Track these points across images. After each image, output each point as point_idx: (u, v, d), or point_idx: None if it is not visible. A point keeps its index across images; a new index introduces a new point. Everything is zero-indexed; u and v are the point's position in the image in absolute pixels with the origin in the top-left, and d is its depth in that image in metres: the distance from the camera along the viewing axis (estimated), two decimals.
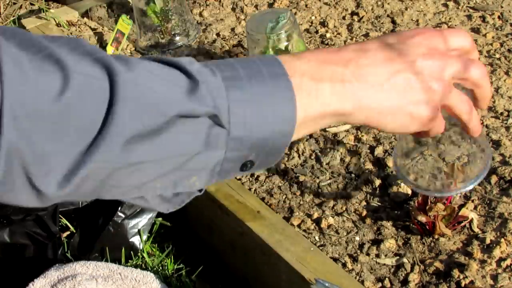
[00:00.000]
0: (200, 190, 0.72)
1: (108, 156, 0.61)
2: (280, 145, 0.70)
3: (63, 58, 0.60)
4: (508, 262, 1.12)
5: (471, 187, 1.02)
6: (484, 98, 0.83)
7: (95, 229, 1.42)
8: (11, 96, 0.57)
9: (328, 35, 1.75)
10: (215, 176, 0.70)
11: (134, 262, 1.42)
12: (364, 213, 1.26)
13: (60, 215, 1.45)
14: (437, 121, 0.78)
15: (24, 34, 0.61)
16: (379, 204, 1.27)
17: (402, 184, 1.26)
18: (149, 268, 1.40)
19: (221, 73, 0.68)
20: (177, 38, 1.82)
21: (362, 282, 1.14)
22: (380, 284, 1.14)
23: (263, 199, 1.32)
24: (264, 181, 1.36)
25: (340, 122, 0.76)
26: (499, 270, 1.11)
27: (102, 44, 1.85)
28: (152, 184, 0.67)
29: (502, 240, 1.15)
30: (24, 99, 0.58)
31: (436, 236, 1.16)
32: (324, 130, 1.46)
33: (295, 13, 1.84)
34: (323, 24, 1.79)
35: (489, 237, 1.16)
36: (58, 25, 1.96)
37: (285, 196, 1.32)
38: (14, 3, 2.44)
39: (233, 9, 1.93)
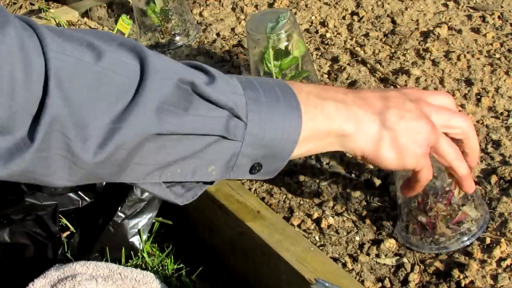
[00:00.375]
0: (212, 183, 0.76)
1: (142, 121, 0.65)
2: (287, 151, 0.74)
3: (93, 42, 0.66)
4: (508, 262, 1.12)
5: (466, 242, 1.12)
6: (473, 149, 0.91)
7: (95, 229, 1.42)
8: (54, 64, 0.61)
9: (328, 35, 1.75)
10: (229, 170, 0.74)
11: (134, 262, 1.42)
12: (364, 213, 1.26)
13: (60, 215, 1.45)
14: (427, 160, 0.85)
15: (55, 28, 0.67)
16: (379, 204, 1.27)
17: None
18: (149, 268, 1.40)
19: (237, 78, 0.74)
20: (177, 38, 1.82)
21: (362, 282, 1.14)
22: (380, 284, 1.14)
23: (263, 199, 1.32)
24: (264, 181, 1.36)
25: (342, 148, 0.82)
26: (499, 270, 1.11)
27: None
28: (174, 168, 0.71)
29: (502, 240, 1.15)
30: (66, 66, 0.62)
31: (436, 236, 1.16)
32: None
33: (295, 13, 1.84)
34: (323, 24, 1.79)
35: (489, 237, 1.16)
36: (58, 25, 1.96)
37: (285, 196, 1.32)
38: (14, 3, 2.44)
39: (233, 9, 1.93)
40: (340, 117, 0.77)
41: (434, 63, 1.58)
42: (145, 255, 1.42)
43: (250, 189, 1.35)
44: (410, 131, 0.80)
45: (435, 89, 1.50)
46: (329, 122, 0.77)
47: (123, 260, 1.41)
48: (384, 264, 1.17)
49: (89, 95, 0.63)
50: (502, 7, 1.74)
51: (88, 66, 0.63)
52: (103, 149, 0.64)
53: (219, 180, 0.76)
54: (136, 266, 1.40)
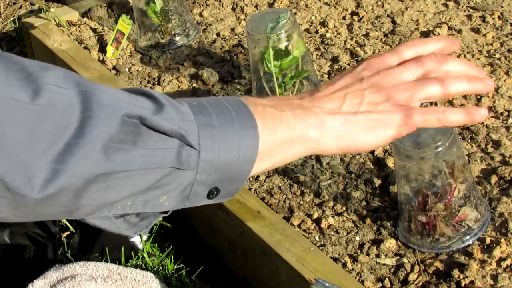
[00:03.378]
0: (166, 212, 0.73)
1: (87, 162, 0.62)
2: (244, 172, 0.72)
3: (34, 73, 0.62)
4: (508, 262, 1.12)
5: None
6: (460, 70, 0.85)
7: (95, 229, 1.42)
8: None
9: (328, 35, 1.75)
10: (185, 199, 0.71)
11: (134, 262, 1.42)
12: (364, 213, 1.26)
13: None
14: (412, 110, 0.79)
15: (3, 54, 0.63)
16: (379, 204, 1.27)
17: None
18: (149, 268, 1.40)
19: (187, 103, 0.71)
20: (177, 38, 1.82)
21: (362, 282, 1.14)
22: (380, 284, 1.14)
23: (263, 199, 1.32)
24: (264, 181, 1.36)
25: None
26: (499, 270, 1.11)
27: (102, 44, 1.85)
28: (124, 202, 0.68)
29: (502, 240, 1.15)
30: None
31: (436, 236, 1.16)
32: None
33: (295, 13, 1.84)
34: (323, 24, 1.79)
35: (489, 237, 1.16)
36: (58, 25, 1.96)
37: (285, 196, 1.32)
38: (14, 3, 2.44)
39: (233, 9, 1.93)
40: (301, 124, 0.75)
41: None
42: (145, 255, 1.42)
43: (250, 189, 1.35)
44: (374, 107, 0.78)
45: None
46: (290, 131, 0.75)
47: (123, 260, 1.41)
48: (384, 264, 1.17)
49: (26, 136, 0.60)
50: (502, 7, 1.74)
51: (23, 106, 0.60)
52: (46, 190, 0.61)
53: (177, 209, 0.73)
54: (136, 266, 1.40)
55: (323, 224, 1.25)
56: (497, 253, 1.13)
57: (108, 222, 0.71)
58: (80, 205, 0.65)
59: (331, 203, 1.29)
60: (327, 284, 1.09)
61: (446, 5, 1.78)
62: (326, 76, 1.61)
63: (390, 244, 1.19)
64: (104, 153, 0.62)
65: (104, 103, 0.64)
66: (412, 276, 1.13)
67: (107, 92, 0.66)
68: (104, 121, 0.63)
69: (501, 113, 1.42)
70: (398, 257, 1.17)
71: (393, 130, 0.78)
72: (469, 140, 1.37)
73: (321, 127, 0.76)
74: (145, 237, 1.44)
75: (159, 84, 1.68)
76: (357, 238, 1.22)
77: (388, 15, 1.78)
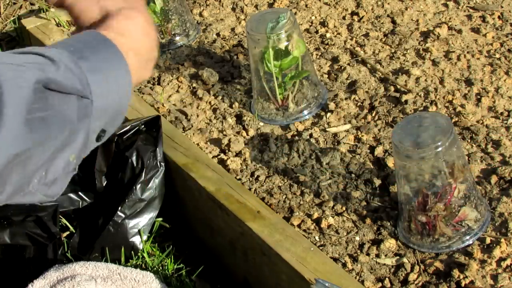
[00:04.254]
0: (75, 169, 0.74)
1: (11, 138, 0.62)
2: (124, 107, 0.75)
3: None
4: (508, 262, 1.12)
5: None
6: None
7: (95, 229, 1.42)
8: None
9: (328, 35, 1.75)
10: (83, 149, 0.73)
11: (134, 262, 1.42)
12: (364, 213, 1.26)
13: (60, 216, 1.45)
14: None
15: None
16: (379, 204, 1.27)
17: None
18: (149, 268, 1.40)
19: (67, 50, 0.72)
20: (177, 38, 1.82)
21: (362, 282, 1.14)
22: (380, 284, 1.14)
23: (263, 199, 1.32)
24: (264, 181, 1.36)
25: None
26: (499, 270, 1.11)
27: None
28: (40, 173, 0.69)
29: (502, 240, 1.15)
30: None
31: (436, 236, 1.16)
32: (324, 130, 1.46)
33: (295, 13, 1.84)
34: (323, 24, 1.79)
35: (489, 237, 1.16)
36: (58, 25, 1.96)
37: (285, 196, 1.32)
38: (14, 3, 2.44)
39: (233, 9, 1.93)
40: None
41: (434, 63, 1.58)
42: (145, 255, 1.42)
43: (250, 189, 1.35)
44: None
45: (435, 89, 1.50)
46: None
47: (123, 260, 1.41)
48: (384, 264, 1.17)
49: None
50: (502, 7, 1.74)
51: None
52: None
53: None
54: (136, 266, 1.40)
55: (323, 224, 1.25)
56: (497, 253, 1.13)
57: (28, 194, 0.71)
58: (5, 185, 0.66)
59: (331, 203, 1.29)
60: (327, 284, 1.09)
61: (446, 5, 1.78)
62: (326, 76, 1.61)
63: (390, 244, 1.19)
64: (27, 126, 0.64)
65: (10, 77, 0.64)
66: (412, 276, 1.13)
67: (7, 64, 0.66)
68: (17, 93, 0.63)
69: (501, 113, 1.42)
70: (398, 257, 1.17)
71: None
72: (469, 140, 1.37)
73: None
74: (145, 237, 1.44)
75: (159, 84, 1.68)
76: (357, 238, 1.22)
77: (388, 15, 1.78)
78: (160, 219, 1.48)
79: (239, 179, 1.37)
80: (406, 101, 1.47)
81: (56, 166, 0.70)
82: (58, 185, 0.74)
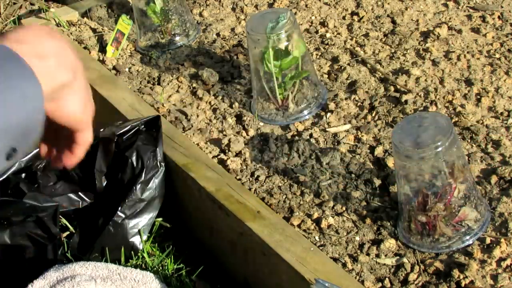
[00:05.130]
0: None
1: None
2: (36, 121, 0.70)
3: None
4: (508, 262, 1.12)
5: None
6: None
7: (95, 229, 1.42)
8: None
9: (328, 35, 1.75)
10: None
11: (134, 262, 1.42)
12: (364, 213, 1.26)
13: (60, 216, 1.45)
14: None
15: None
16: (379, 204, 1.27)
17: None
18: (149, 268, 1.40)
19: None
20: (177, 38, 1.82)
21: (362, 282, 1.14)
22: (380, 284, 1.14)
23: (263, 199, 1.32)
24: (264, 181, 1.36)
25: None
26: (499, 270, 1.11)
27: (102, 44, 1.85)
28: None
29: (502, 240, 1.15)
30: None
31: (436, 236, 1.16)
32: (324, 130, 1.46)
33: (295, 13, 1.84)
34: (323, 24, 1.79)
35: (489, 237, 1.16)
36: (58, 25, 1.96)
37: (285, 196, 1.32)
38: (14, 3, 2.44)
39: (233, 9, 1.93)
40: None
41: (434, 63, 1.58)
42: (145, 255, 1.42)
43: (250, 189, 1.35)
44: None
45: (435, 89, 1.50)
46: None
47: (123, 260, 1.40)
48: (384, 264, 1.17)
49: None
50: (502, 7, 1.74)
51: None
52: None
53: None
54: (136, 266, 1.40)
55: (323, 224, 1.25)
56: (497, 253, 1.13)
57: None
58: None
59: (331, 203, 1.29)
60: (327, 284, 1.09)
61: (446, 5, 1.78)
62: (326, 76, 1.61)
63: (390, 244, 1.19)
64: None
65: None
66: (412, 276, 1.13)
67: None
68: None
69: (501, 113, 1.42)
70: (398, 257, 1.17)
71: None
72: (469, 140, 1.37)
73: None
74: (145, 237, 1.44)
75: (159, 84, 1.68)
76: (357, 238, 1.22)
77: (388, 15, 1.78)
78: (160, 219, 1.48)
79: (239, 179, 1.37)
80: (406, 101, 1.47)
81: None
82: None
